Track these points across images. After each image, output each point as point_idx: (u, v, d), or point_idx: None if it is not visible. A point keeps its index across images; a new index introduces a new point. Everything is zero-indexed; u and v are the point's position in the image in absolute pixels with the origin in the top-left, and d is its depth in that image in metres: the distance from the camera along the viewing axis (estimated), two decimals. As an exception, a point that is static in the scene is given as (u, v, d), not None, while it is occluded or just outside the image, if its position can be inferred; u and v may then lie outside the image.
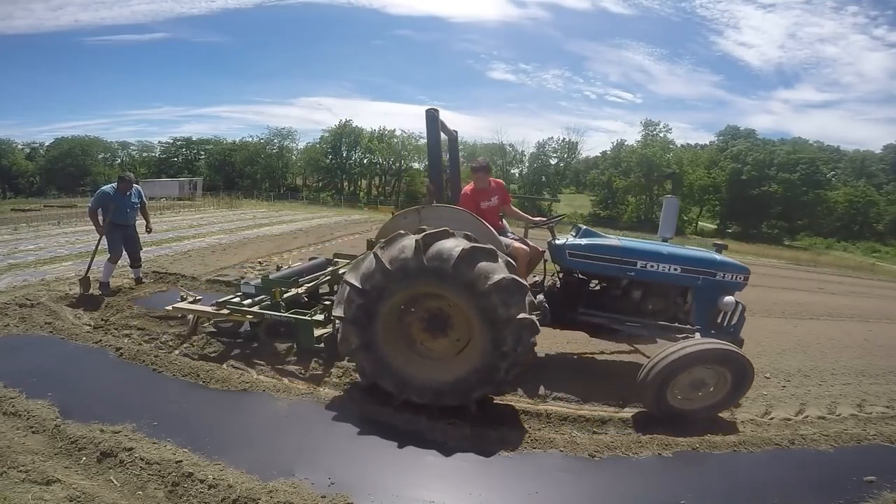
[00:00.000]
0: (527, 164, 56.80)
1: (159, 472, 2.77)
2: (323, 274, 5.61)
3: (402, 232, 3.57)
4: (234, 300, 4.83)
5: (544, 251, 4.46)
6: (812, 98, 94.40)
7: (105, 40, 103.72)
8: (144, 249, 7.69)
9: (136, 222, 6.98)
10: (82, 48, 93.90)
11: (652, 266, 3.97)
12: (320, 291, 5.52)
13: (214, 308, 4.72)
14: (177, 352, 4.65)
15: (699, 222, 52.65)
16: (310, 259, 6.43)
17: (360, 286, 3.45)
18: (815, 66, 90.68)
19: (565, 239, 4.26)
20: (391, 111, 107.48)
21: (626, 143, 55.82)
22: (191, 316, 4.97)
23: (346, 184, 57.25)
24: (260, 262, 9.73)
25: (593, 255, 4.08)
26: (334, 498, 2.64)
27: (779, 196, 46.28)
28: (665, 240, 4.64)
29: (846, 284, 15.84)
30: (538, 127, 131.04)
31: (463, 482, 2.97)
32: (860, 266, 27.82)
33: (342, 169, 56.64)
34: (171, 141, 63.44)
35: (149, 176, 52.86)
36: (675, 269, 3.97)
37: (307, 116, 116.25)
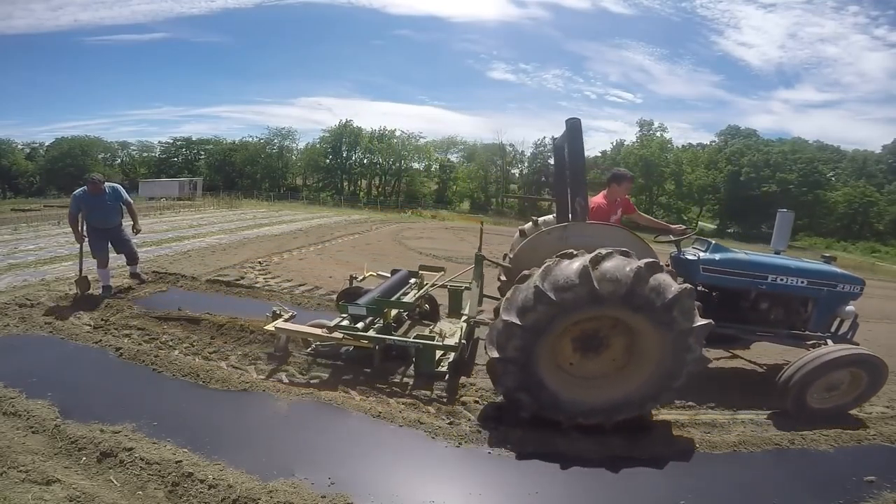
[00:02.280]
0: (527, 165, 56.81)
1: (159, 472, 2.76)
2: (425, 288, 5.41)
3: (559, 257, 3.32)
4: (344, 323, 4.35)
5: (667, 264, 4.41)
6: (812, 98, 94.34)
7: (105, 40, 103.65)
8: (144, 249, 7.68)
9: (123, 223, 6.66)
10: (82, 48, 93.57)
11: (782, 279, 4.19)
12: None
13: (326, 331, 4.27)
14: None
15: (699, 222, 52.68)
16: (392, 272, 6.02)
17: (519, 322, 3.19)
18: (815, 66, 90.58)
19: (696, 254, 4.34)
20: (391, 111, 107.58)
21: (625, 144, 55.88)
22: (283, 336, 4.49)
23: (346, 184, 57.25)
24: (260, 262, 9.74)
25: (727, 269, 4.20)
26: (334, 498, 2.64)
27: (779, 196, 46.28)
28: (778, 252, 4.84)
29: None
30: (538, 127, 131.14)
31: (463, 482, 2.97)
32: (860, 266, 27.79)
33: (342, 169, 56.62)
34: (171, 141, 63.43)
35: (149, 176, 52.89)
36: (802, 282, 4.20)
37: (307, 116, 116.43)
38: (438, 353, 4.32)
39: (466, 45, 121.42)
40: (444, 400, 3.92)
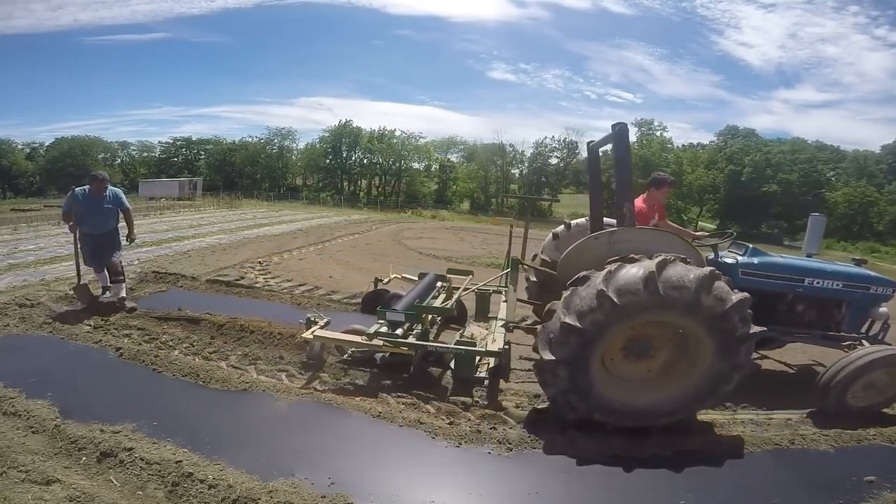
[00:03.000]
0: (527, 165, 56.81)
1: (159, 472, 2.76)
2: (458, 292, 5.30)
3: (622, 261, 3.33)
4: (383, 329, 4.27)
5: None
6: (812, 98, 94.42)
7: (105, 40, 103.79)
8: (144, 250, 7.55)
9: (116, 228, 6.09)
10: (82, 48, 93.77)
11: (818, 282, 4.27)
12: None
13: (365, 338, 4.17)
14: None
15: (699, 222, 52.63)
16: (419, 276, 6.01)
17: (578, 325, 3.19)
18: (815, 66, 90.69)
19: (734, 258, 4.39)
20: (391, 111, 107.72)
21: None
22: (318, 344, 4.34)
23: (346, 184, 57.25)
24: (260, 262, 9.75)
25: (765, 273, 4.26)
26: (334, 498, 2.64)
27: (779, 196, 46.29)
28: (810, 255, 4.94)
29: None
30: (538, 127, 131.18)
31: (463, 482, 2.97)
32: (860, 266, 27.79)
33: (342, 169, 56.63)
34: (171, 141, 63.54)
35: (149, 176, 52.90)
36: (837, 285, 4.27)
37: (307, 116, 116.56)
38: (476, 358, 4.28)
39: (466, 45, 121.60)
40: (485, 405, 3.87)
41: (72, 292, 5.98)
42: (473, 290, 5.60)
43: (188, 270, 8.22)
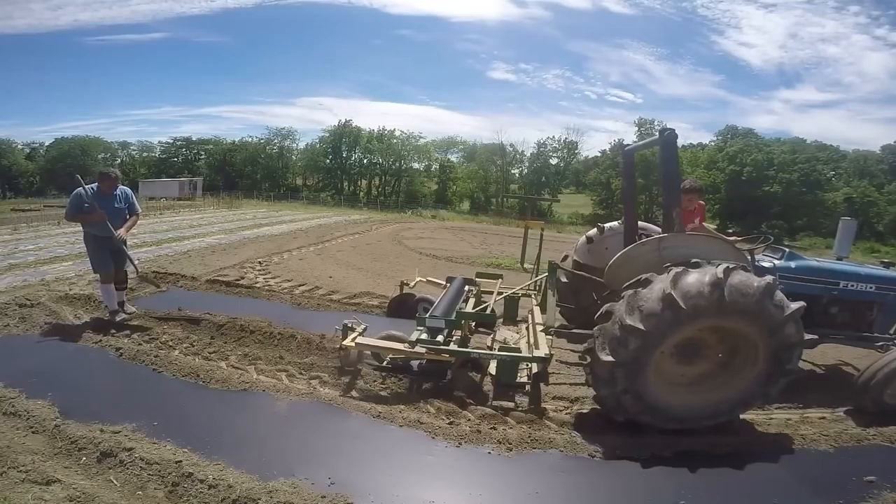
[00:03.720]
0: (527, 165, 56.81)
1: (159, 472, 2.77)
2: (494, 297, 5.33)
3: (686, 266, 3.37)
4: (423, 336, 4.15)
5: None
6: (813, 98, 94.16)
7: (105, 40, 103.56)
8: (144, 250, 7.47)
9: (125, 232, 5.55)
10: (82, 48, 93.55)
11: (852, 285, 4.34)
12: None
13: (407, 346, 4.08)
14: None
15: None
16: (447, 281, 5.96)
17: (641, 327, 3.23)
18: (816, 66, 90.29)
19: (771, 262, 4.46)
20: (391, 111, 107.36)
21: (624, 143, 55.86)
22: (355, 351, 4.23)
23: (345, 184, 57.26)
24: (260, 262, 9.75)
25: (802, 276, 4.32)
26: (334, 498, 2.64)
27: (778, 196, 46.28)
28: (840, 258, 5.04)
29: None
30: (538, 127, 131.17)
31: (463, 482, 2.97)
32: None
33: (342, 169, 56.62)
34: (171, 141, 63.48)
35: (149, 176, 52.89)
36: (871, 287, 4.35)
37: (308, 116, 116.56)
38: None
39: (466, 45, 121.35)
40: (530, 410, 3.84)
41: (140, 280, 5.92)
42: (515, 294, 5.63)
43: (188, 270, 8.22)
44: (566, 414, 3.85)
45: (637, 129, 55.07)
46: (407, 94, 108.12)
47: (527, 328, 5.01)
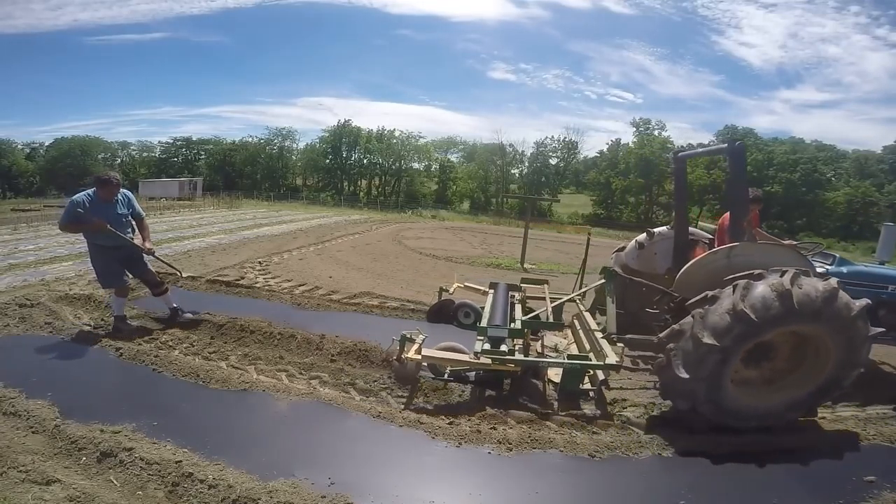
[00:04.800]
0: (527, 165, 56.80)
1: (159, 472, 2.76)
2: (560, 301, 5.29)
3: (750, 278, 3.43)
4: (486, 347, 4.04)
5: None
6: (813, 98, 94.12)
7: (105, 40, 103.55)
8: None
9: (135, 238, 5.11)
10: (82, 48, 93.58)
11: None
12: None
13: (472, 357, 3.97)
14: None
15: (700, 222, 52.61)
16: (490, 286, 5.94)
17: (717, 344, 3.31)
18: (816, 66, 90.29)
19: (824, 268, 4.62)
20: (391, 111, 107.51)
21: (622, 143, 55.90)
22: (413, 363, 4.06)
23: (345, 184, 57.26)
24: (260, 262, 9.75)
25: (854, 281, 4.49)
26: (334, 498, 2.64)
27: (779, 196, 46.28)
28: (883, 263, 5.29)
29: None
30: (538, 127, 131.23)
31: (463, 482, 2.97)
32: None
33: (342, 169, 56.65)
34: (171, 141, 63.57)
35: (149, 176, 52.90)
36: None
37: (308, 116, 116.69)
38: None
39: (467, 45, 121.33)
40: (598, 415, 3.85)
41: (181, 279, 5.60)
42: (541, 298, 5.62)
43: (188, 270, 8.20)
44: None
45: (635, 129, 55.07)
46: (407, 94, 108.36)
47: (575, 333, 4.96)
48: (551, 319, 4.82)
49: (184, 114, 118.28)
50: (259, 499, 2.57)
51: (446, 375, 4.25)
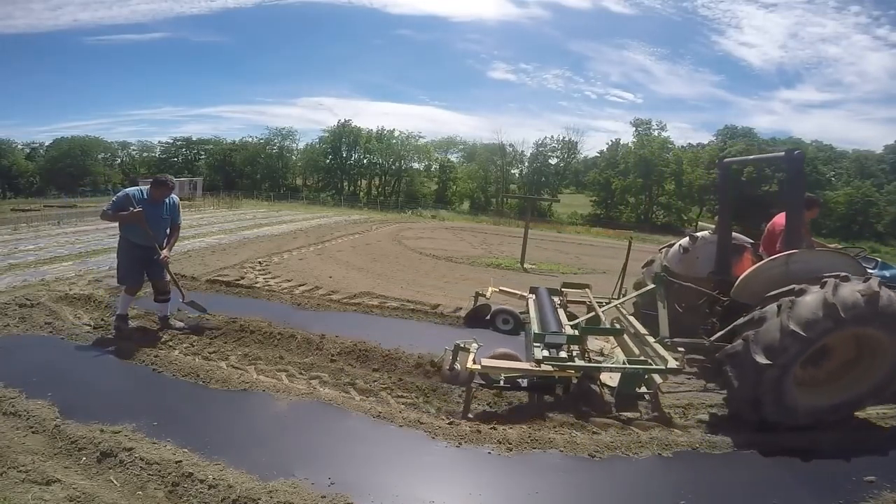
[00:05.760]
0: (527, 165, 56.79)
1: (159, 472, 2.77)
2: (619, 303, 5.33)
3: (838, 279, 3.57)
4: (545, 353, 4.05)
5: None
6: (813, 98, 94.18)
7: (105, 40, 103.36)
8: None
9: (163, 244, 5.08)
10: (82, 48, 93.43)
11: None
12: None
13: (534, 364, 3.96)
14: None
15: (699, 222, 52.59)
16: (530, 290, 5.93)
17: (802, 333, 3.43)
18: (816, 66, 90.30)
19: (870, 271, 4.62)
20: (391, 111, 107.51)
21: (622, 143, 55.90)
22: (465, 371, 3.99)
23: (345, 184, 57.25)
24: (260, 262, 9.75)
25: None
26: (334, 498, 2.64)
27: (778, 196, 46.27)
28: None
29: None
30: (538, 127, 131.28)
31: (463, 482, 2.97)
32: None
33: (342, 169, 56.62)
34: (171, 141, 63.41)
35: (149, 176, 52.85)
36: None
37: (308, 116, 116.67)
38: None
39: (467, 45, 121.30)
40: (653, 417, 3.88)
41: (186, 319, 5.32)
42: (581, 302, 5.65)
43: (188, 270, 8.21)
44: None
45: (635, 129, 55.06)
46: (407, 94, 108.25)
47: (618, 338, 4.93)
48: (606, 324, 4.83)
49: (184, 114, 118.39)
50: (259, 499, 2.57)
51: (502, 383, 4.18)
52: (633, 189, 51.14)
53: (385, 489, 2.80)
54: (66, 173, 52.62)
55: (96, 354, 4.51)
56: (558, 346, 4.19)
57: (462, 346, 4.18)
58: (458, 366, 4.14)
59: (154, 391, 3.89)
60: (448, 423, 3.57)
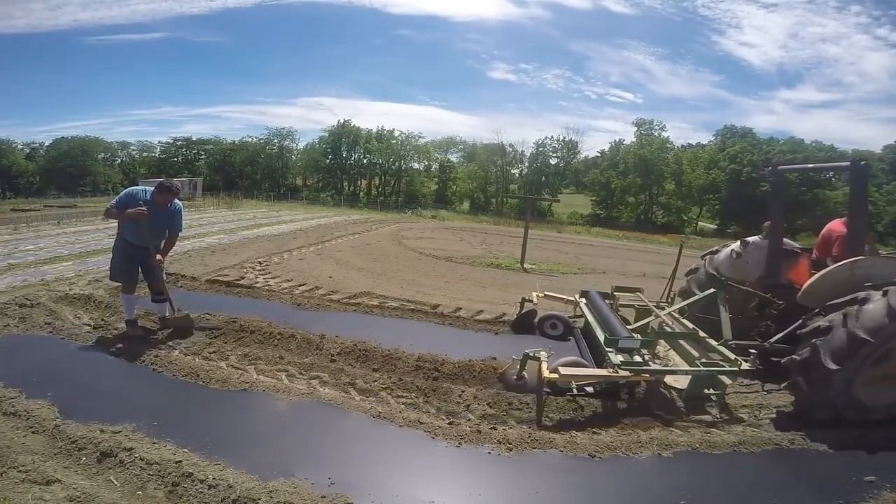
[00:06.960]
0: (527, 165, 56.78)
1: (159, 472, 2.77)
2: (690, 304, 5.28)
3: None
4: (619, 359, 4.01)
5: None
6: (813, 98, 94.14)
7: (104, 40, 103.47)
8: None
9: (159, 247, 5.06)
10: (82, 48, 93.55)
11: None
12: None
13: (611, 370, 3.92)
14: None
15: (699, 222, 52.62)
16: (581, 295, 5.93)
17: (870, 339, 3.56)
18: (816, 66, 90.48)
19: None
20: (391, 111, 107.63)
21: (623, 143, 55.89)
22: (539, 379, 3.86)
23: (345, 184, 57.24)
24: (260, 262, 9.75)
25: None
26: (334, 498, 2.64)
27: (778, 196, 46.25)
28: None
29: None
30: (538, 127, 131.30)
31: (463, 482, 2.97)
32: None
33: (342, 169, 56.62)
34: (171, 141, 63.42)
35: (149, 176, 52.80)
36: None
37: (307, 116, 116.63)
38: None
39: (467, 45, 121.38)
40: (724, 418, 3.93)
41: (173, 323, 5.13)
42: (629, 306, 5.68)
43: (188, 270, 8.21)
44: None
45: (636, 129, 55.05)
46: (407, 94, 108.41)
47: (671, 342, 4.96)
48: (675, 327, 4.84)
49: (184, 114, 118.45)
50: (259, 499, 2.57)
51: (575, 390, 4.17)
52: (632, 189, 51.13)
53: (385, 489, 2.80)
54: (66, 173, 52.61)
55: (96, 354, 4.51)
56: (631, 351, 4.16)
57: (531, 355, 4.11)
58: (525, 374, 4.19)
59: (154, 391, 3.89)
60: (448, 424, 3.57)
